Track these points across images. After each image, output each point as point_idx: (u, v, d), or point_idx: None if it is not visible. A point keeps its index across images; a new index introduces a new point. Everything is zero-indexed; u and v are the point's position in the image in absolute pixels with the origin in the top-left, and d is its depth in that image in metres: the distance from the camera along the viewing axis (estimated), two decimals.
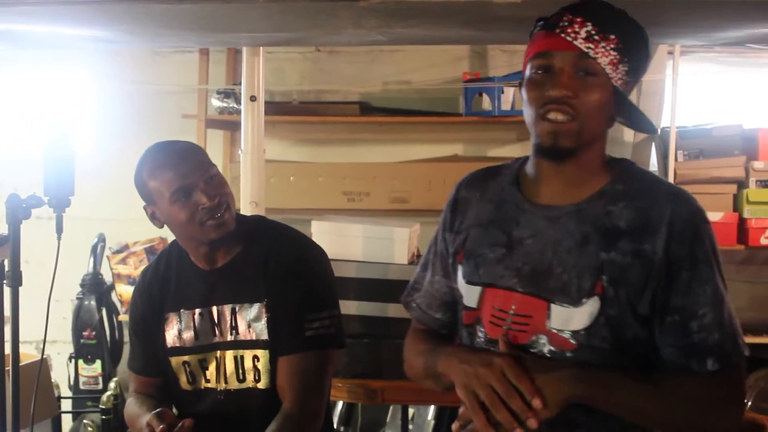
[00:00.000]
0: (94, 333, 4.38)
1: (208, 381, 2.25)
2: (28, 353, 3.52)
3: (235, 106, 4.33)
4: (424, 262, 1.92)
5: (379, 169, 4.45)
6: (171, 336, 2.27)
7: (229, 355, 2.20)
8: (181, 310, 2.26)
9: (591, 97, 1.55)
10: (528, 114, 1.61)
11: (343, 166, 4.48)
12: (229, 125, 4.61)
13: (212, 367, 2.23)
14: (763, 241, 4.16)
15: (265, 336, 2.16)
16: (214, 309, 2.22)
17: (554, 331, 1.58)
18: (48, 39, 3.04)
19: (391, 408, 4.21)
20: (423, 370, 1.78)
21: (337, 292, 2.28)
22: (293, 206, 4.32)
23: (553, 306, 1.58)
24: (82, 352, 4.39)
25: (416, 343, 1.87)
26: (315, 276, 2.22)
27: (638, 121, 1.68)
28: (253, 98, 3.44)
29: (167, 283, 2.30)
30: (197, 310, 2.23)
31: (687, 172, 4.19)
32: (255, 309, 2.17)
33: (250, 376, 2.19)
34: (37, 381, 2.46)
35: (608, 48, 1.55)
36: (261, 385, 2.18)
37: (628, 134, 4.58)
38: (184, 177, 2.09)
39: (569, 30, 1.56)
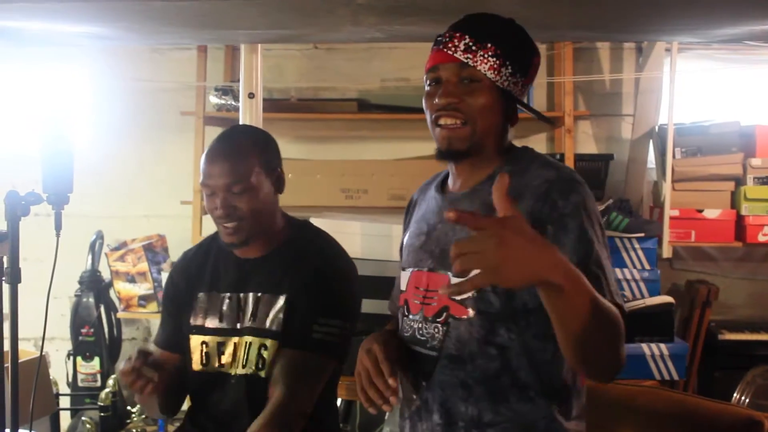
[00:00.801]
0: (92, 330, 4.38)
1: (222, 365, 2.29)
2: (27, 350, 3.52)
3: (233, 103, 4.33)
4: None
5: (378, 166, 4.45)
6: (197, 315, 2.34)
7: (246, 340, 2.26)
8: (213, 292, 2.33)
9: (476, 101, 1.78)
10: (428, 122, 1.84)
11: (342, 164, 4.48)
12: (228, 122, 4.60)
13: (228, 351, 2.28)
14: (761, 238, 4.17)
15: (277, 327, 2.22)
16: (242, 296, 2.29)
17: (454, 300, 1.77)
18: (46, 36, 3.03)
19: None
20: None
21: (358, 311, 2.36)
22: (291, 204, 4.29)
23: (451, 278, 1.76)
24: (80, 350, 4.40)
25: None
26: (339, 284, 2.29)
27: (536, 113, 1.97)
28: (251, 95, 3.44)
29: (205, 264, 2.39)
30: (227, 295, 2.31)
31: (685, 170, 4.20)
32: (276, 300, 2.23)
33: (254, 363, 2.23)
34: (36, 378, 2.46)
35: (486, 56, 1.76)
36: (263, 374, 2.22)
37: (626, 131, 4.59)
38: (208, 177, 2.21)
39: (450, 45, 1.79)
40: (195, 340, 2.33)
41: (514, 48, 1.80)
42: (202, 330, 2.32)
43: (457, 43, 1.77)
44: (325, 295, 2.23)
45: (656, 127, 4.44)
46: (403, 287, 1.95)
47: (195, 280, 2.38)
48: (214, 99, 4.46)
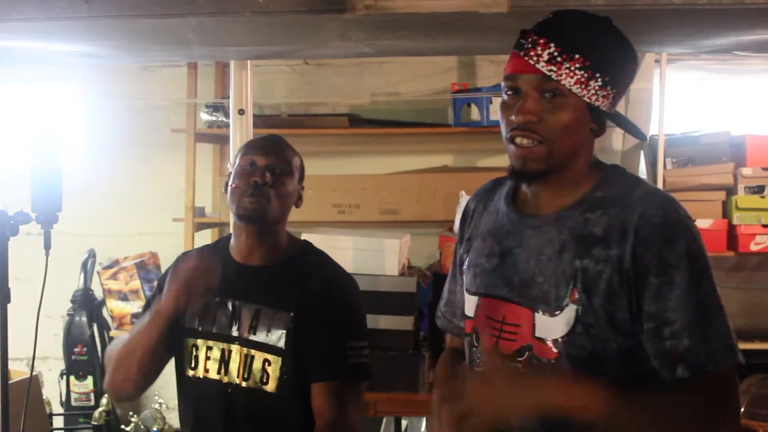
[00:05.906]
0: (85, 349, 4.37)
1: (207, 371, 2.27)
2: (19, 370, 3.50)
3: (224, 119, 4.33)
4: (450, 273, 1.97)
5: (369, 180, 4.45)
6: (191, 317, 2.30)
7: (241, 351, 2.24)
8: None
9: (558, 118, 1.56)
10: (503, 134, 1.63)
11: (333, 179, 4.48)
12: (218, 139, 4.61)
13: (215, 357, 2.27)
14: (753, 247, 4.18)
15: (281, 344, 2.20)
16: (238, 304, 2.27)
17: (538, 339, 1.60)
18: (36, 55, 3.03)
19: (384, 420, 4.20)
20: None
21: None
22: None
23: (536, 315, 1.60)
24: (73, 369, 4.38)
25: (439, 366, 1.96)
26: (356, 306, 2.31)
27: (628, 127, 1.71)
28: (241, 112, 3.44)
29: None
30: (222, 300, 2.29)
31: (676, 180, 4.21)
32: (279, 316, 2.22)
33: (257, 377, 2.22)
34: (27, 398, 2.45)
35: (573, 68, 1.54)
36: (268, 388, 2.21)
37: (617, 142, 4.60)
38: (257, 149, 2.28)
39: (532, 53, 1.56)
40: (188, 343, 2.31)
41: (607, 57, 1.57)
42: (194, 333, 2.30)
43: (540, 52, 1.55)
44: (346, 318, 2.25)
45: (647, 137, 4.45)
46: (470, 313, 1.76)
47: None
48: (204, 116, 4.47)
